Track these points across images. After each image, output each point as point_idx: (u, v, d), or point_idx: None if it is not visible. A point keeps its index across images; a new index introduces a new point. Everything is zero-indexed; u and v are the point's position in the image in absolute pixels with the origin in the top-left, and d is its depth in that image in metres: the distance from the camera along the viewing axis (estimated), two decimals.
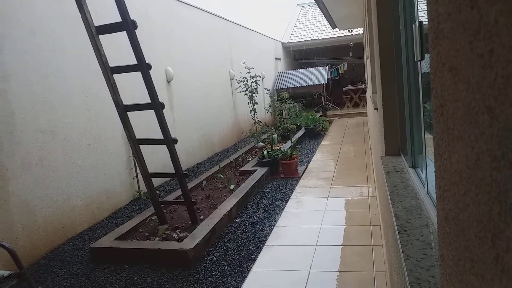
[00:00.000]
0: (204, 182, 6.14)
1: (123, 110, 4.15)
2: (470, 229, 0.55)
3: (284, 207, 5.09)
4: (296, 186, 6.03)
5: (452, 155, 0.62)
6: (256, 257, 3.76)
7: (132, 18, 3.88)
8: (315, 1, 8.33)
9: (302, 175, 6.62)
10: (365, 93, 11.71)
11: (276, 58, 15.85)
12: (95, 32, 3.91)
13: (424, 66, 1.89)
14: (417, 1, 1.98)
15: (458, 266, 0.64)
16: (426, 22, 0.74)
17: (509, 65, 0.39)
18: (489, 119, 0.44)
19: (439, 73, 0.68)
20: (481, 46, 0.46)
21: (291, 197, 5.49)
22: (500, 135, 0.42)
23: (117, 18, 3.88)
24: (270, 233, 4.28)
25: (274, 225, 4.50)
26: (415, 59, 1.77)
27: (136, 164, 5.55)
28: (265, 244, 4.03)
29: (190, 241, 3.82)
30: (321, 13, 10.17)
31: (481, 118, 0.47)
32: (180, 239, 4.03)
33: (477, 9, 0.47)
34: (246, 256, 3.80)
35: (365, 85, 11.51)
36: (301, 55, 18.75)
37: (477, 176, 0.50)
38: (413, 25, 1.80)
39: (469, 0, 0.49)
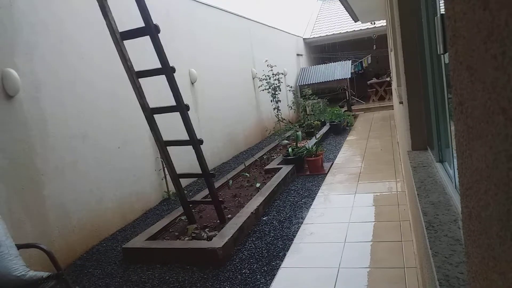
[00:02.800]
0: (231, 181, 6.20)
1: (149, 113, 4.24)
2: (492, 227, 0.55)
3: (311, 204, 5.08)
4: (322, 183, 6.00)
5: (473, 154, 0.63)
6: (284, 254, 3.78)
7: (154, 22, 3.96)
8: None
9: (328, 171, 6.59)
10: (391, 86, 11.50)
11: (298, 54, 15.76)
12: (120, 38, 4.01)
13: (448, 58, 1.85)
14: None
15: (483, 264, 0.64)
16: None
17: None
18: (503, 120, 0.45)
19: (457, 71, 0.68)
20: (494, 47, 0.46)
21: (317, 194, 5.48)
22: None
23: (140, 23, 3.97)
24: (297, 231, 4.29)
25: (302, 223, 4.50)
26: (438, 52, 1.75)
27: (164, 166, 5.66)
28: (293, 241, 4.04)
29: (219, 240, 3.88)
30: (342, 6, 10.04)
31: (496, 118, 0.47)
32: (209, 238, 4.09)
33: (489, 10, 0.47)
34: (275, 254, 3.83)
35: (390, 77, 11.30)
36: (323, 50, 18.56)
37: (495, 175, 0.50)
38: (435, 17, 1.77)
39: (482, 1, 0.49)
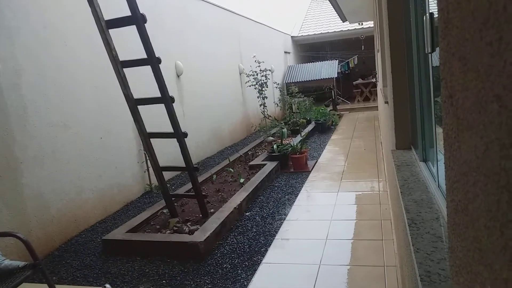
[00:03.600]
0: (214, 176, 6.17)
1: (133, 104, 4.18)
2: (479, 219, 0.55)
3: (294, 201, 5.10)
4: (306, 180, 6.03)
5: (462, 146, 0.62)
6: (266, 250, 3.78)
7: (141, 12, 3.89)
8: None
9: (312, 169, 6.61)
10: (376, 87, 11.61)
11: (285, 52, 15.77)
12: (105, 26, 3.93)
13: (435, 59, 1.87)
14: None
15: (467, 257, 0.64)
16: (437, 14, 0.74)
17: None
18: (497, 108, 0.44)
19: (448, 63, 0.67)
20: (490, 34, 0.46)
21: (301, 191, 5.49)
22: (509, 123, 0.41)
23: (127, 13, 3.90)
24: (280, 227, 4.30)
25: (284, 219, 4.51)
26: (426, 51, 1.76)
27: (147, 158, 5.60)
28: (275, 237, 4.05)
29: (201, 234, 3.85)
30: (331, 6, 10.07)
31: (490, 106, 0.47)
32: (191, 232, 4.06)
33: None
34: (257, 249, 3.82)
35: (375, 79, 11.40)
36: (311, 49, 18.63)
37: (486, 165, 0.50)
38: (424, 16, 1.78)
39: None
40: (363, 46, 16.05)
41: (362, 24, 15.30)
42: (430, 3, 1.93)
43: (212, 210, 4.69)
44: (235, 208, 4.55)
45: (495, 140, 0.46)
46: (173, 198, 4.65)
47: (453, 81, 0.65)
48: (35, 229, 4.04)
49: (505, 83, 0.41)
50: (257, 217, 4.63)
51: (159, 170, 4.42)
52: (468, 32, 0.55)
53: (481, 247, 0.54)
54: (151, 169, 5.69)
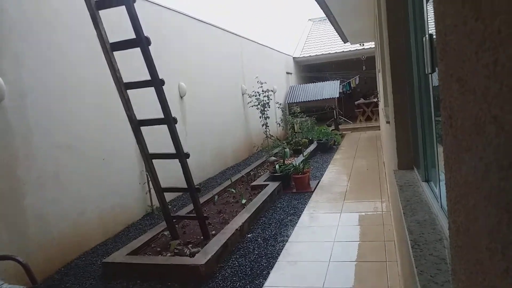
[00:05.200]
0: (216, 197, 6.14)
1: (136, 125, 4.20)
2: (481, 241, 0.54)
3: (296, 222, 5.05)
4: (308, 200, 5.99)
5: (462, 167, 0.62)
6: (268, 273, 3.72)
7: (146, 34, 3.96)
8: (326, 16, 8.40)
9: (314, 189, 6.58)
10: (378, 107, 11.66)
11: (287, 73, 15.93)
12: (110, 48, 3.99)
13: (435, 79, 1.88)
14: (427, 15, 1.98)
15: (470, 280, 0.63)
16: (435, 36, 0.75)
17: None
18: (495, 129, 0.44)
19: (447, 84, 0.68)
20: (486, 56, 0.46)
21: (303, 212, 5.45)
22: (507, 144, 0.41)
23: (131, 34, 3.96)
24: (282, 249, 4.24)
25: (287, 241, 4.46)
26: (426, 72, 1.77)
27: (149, 179, 5.59)
28: (278, 260, 3.99)
29: (202, 257, 3.81)
30: (332, 27, 10.23)
31: (488, 128, 0.47)
32: (192, 255, 4.01)
33: (481, 20, 0.47)
34: (258, 272, 3.76)
35: (377, 98, 11.46)
36: (312, 69, 18.82)
37: (486, 187, 0.49)
38: (423, 38, 1.80)
39: (474, 12, 0.49)
40: (364, 67, 16.21)
41: (363, 45, 15.49)
42: (429, 24, 1.96)
43: (213, 232, 4.65)
44: (236, 229, 4.51)
45: (494, 161, 0.46)
46: (174, 220, 4.61)
47: (452, 102, 0.65)
48: (35, 251, 4.00)
49: (502, 105, 0.42)
50: (259, 239, 4.58)
51: (160, 191, 4.41)
52: (465, 54, 0.55)
53: (483, 269, 0.54)
54: (152, 190, 5.67)
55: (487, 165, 0.48)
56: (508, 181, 0.42)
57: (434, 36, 1.70)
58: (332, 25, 9.58)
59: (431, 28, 1.86)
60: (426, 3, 1.99)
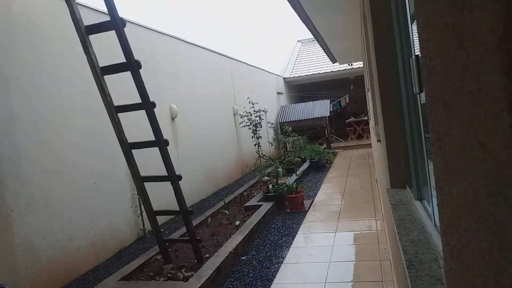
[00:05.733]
0: (209, 219, 6.07)
1: (127, 148, 4.18)
2: (474, 265, 0.54)
3: (291, 243, 5.00)
4: (303, 220, 5.95)
5: (452, 190, 0.62)
6: None
7: (136, 58, 3.98)
8: (315, 38, 8.55)
9: (308, 209, 6.55)
10: (368, 125, 11.76)
11: (278, 93, 16.07)
12: (100, 73, 4.00)
13: (424, 98, 1.90)
14: (412, 36, 2.02)
15: None
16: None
17: (498, 102, 0.40)
18: (482, 155, 0.45)
19: (434, 108, 0.69)
20: (470, 83, 0.47)
21: (298, 232, 5.41)
22: (494, 171, 0.42)
23: (122, 58, 3.98)
24: (277, 271, 4.19)
25: (282, 262, 4.40)
26: (414, 92, 1.80)
27: (141, 202, 5.52)
28: (273, 282, 3.93)
29: (196, 281, 3.74)
30: (321, 48, 10.40)
31: (475, 153, 0.47)
32: (185, 279, 3.94)
33: (464, 48, 0.48)
34: None
35: (367, 116, 11.58)
36: (302, 89, 19.02)
37: (476, 211, 0.49)
38: (410, 58, 1.84)
39: (456, 39, 0.50)
40: (352, 86, 16.43)
41: (351, 64, 15.76)
42: (415, 45, 2.00)
43: (207, 255, 4.58)
44: (230, 252, 4.45)
45: (483, 186, 0.46)
46: (167, 244, 4.54)
47: (440, 125, 0.66)
48: (24, 280, 3.90)
49: (488, 132, 0.42)
50: (253, 261, 4.52)
51: (152, 214, 4.36)
52: (450, 80, 0.56)
53: None
54: (144, 214, 5.60)
55: (476, 190, 0.48)
56: (498, 207, 0.42)
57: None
58: (321, 46, 9.74)
59: (417, 49, 1.90)
60: (411, 24, 2.03)
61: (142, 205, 5.66)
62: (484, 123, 0.43)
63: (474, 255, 0.53)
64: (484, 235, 0.47)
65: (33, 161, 4.18)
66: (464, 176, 0.53)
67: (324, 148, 12.71)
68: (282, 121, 14.93)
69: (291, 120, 14.86)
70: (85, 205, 4.84)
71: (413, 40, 2.02)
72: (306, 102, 16.10)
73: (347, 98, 16.15)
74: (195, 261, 4.44)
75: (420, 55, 0.76)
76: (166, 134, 6.52)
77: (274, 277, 4.04)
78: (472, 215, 0.51)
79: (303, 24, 6.86)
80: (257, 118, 8.82)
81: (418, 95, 1.97)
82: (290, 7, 5.84)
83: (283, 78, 17.47)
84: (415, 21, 1.91)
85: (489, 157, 0.43)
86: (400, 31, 2.39)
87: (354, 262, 4.22)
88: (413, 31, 2.02)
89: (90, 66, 3.97)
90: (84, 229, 4.78)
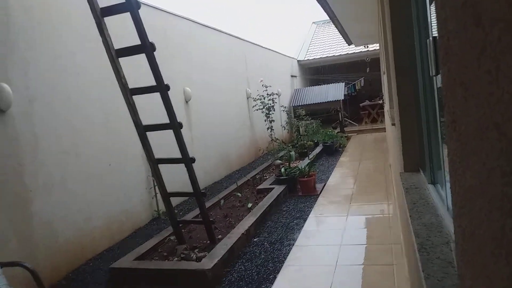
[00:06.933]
0: (222, 201, 6.14)
1: (142, 130, 4.22)
2: (486, 246, 0.54)
3: (302, 226, 5.04)
4: (314, 204, 5.97)
5: (466, 171, 0.62)
6: (275, 277, 3.71)
7: (150, 40, 3.98)
8: (330, 19, 8.40)
9: (320, 192, 6.56)
10: (383, 109, 11.62)
11: (292, 76, 15.94)
12: (115, 55, 4.03)
13: (440, 81, 1.87)
14: (430, 18, 1.98)
15: (477, 285, 0.62)
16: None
17: None
18: (497, 135, 0.44)
19: (450, 88, 0.68)
20: (487, 63, 0.46)
21: (309, 215, 5.44)
22: (509, 151, 0.42)
23: (137, 40, 3.99)
24: (289, 253, 4.23)
25: (293, 244, 4.45)
26: (430, 74, 1.77)
27: (155, 184, 5.60)
28: (284, 264, 3.98)
29: (209, 261, 3.81)
30: (337, 30, 10.24)
31: (490, 134, 0.47)
32: (198, 259, 4.02)
33: (482, 27, 0.47)
34: (265, 276, 3.76)
35: (382, 100, 11.43)
36: (317, 72, 18.81)
37: (489, 192, 0.50)
38: (427, 40, 1.80)
39: (474, 18, 0.49)
40: (368, 69, 16.17)
41: (367, 47, 15.46)
42: (433, 27, 1.96)
43: (220, 236, 4.65)
44: (243, 234, 4.51)
45: (496, 167, 0.46)
46: (180, 225, 4.62)
47: (456, 106, 0.65)
48: (42, 258, 4.03)
49: (503, 112, 0.42)
50: (265, 243, 4.58)
51: (167, 196, 4.42)
52: (467, 59, 0.55)
53: (489, 274, 0.54)
54: (159, 195, 5.69)
55: (490, 171, 0.48)
56: (511, 186, 0.42)
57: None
58: (336, 27, 9.58)
59: (435, 31, 1.86)
60: (430, 5, 1.99)
61: (156, 187, 5.75)
62: (501, 103, 0.43)
63: (486, 235, 0.53)
64: (496, 215, 0.47)
65: (51, 141, 4.26)
66: (479, 157, 0.53)
67: (338, 132, 12.62)
68: (296, 104, 14.84)
69: (305, 103, 14.76)
70: (100, 186, 4.93)
71: (431, 21, 1.98)
72: (320, 85, 15.94)
73: (362, 81, 15.92)
74: (208, 242, 4.52)
75: (437, 36, 0.75)
76: (180, 117, 6.56)
77: (285, 258, 4.09)
78: (485, 195, 0.51)
79: (319, 5, 6.74)
80: (270, 102, 8.79)
81: (434, 77, 1.94)
82: None
83: (298, 60, 17.28)
84: (433, 2, 1.87)
85: (504, 137, 0.43)
86: (418, 12, 2.33)
87: (365, 245, 4.23)
88: (431, 13, 1.97)
89: (105, 48, 3.99)
90: (100, 210, 4.88)
